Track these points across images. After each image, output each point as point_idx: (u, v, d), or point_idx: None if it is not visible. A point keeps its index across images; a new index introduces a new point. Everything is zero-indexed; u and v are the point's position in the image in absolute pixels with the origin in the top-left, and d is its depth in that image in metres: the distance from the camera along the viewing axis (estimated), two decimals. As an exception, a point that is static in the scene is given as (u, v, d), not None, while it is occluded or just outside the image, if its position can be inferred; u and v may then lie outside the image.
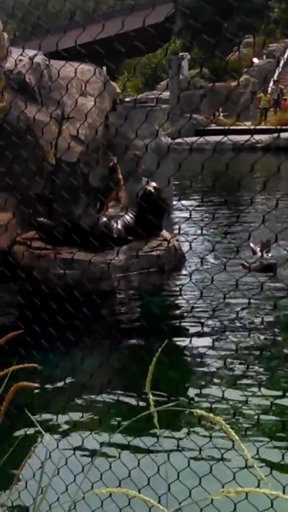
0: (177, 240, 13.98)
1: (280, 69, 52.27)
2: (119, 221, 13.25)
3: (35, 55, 10.24)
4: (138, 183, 14.03)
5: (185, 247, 13.56)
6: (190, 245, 3.59)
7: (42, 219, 12.22)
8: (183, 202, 19.21)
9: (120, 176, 14.40)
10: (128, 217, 13.50)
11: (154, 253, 12.93)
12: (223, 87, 42.99)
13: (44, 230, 12.16)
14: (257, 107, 44.01)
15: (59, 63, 7.75)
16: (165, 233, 13.77)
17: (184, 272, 13.28)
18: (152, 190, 13.17)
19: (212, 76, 45.64)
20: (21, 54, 11.34)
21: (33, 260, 11.65)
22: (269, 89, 47.81)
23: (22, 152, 7.13)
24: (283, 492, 2.36)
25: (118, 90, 18.05)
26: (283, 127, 35.65)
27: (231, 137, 4.30)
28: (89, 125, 13.65)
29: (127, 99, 22.55)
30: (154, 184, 13.25)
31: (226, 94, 40.37)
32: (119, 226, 13.20)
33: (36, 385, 3.22)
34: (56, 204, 11.78)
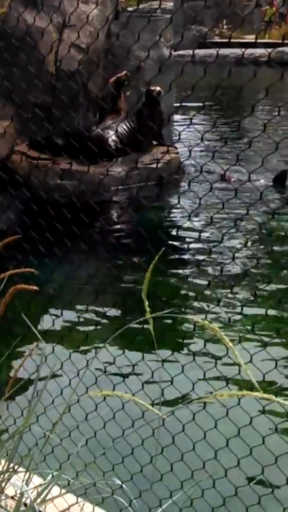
0: (177, 153, 13.89)
1: (287, -19, 51.09)
2: (114, 132, 13.15)
3: None
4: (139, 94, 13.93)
5: (185, 157, 13.47)
6: (190, 152, 3.52)
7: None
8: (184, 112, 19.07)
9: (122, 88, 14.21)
10: (126, 127, 13.40)
11: (153, 165, 12.87)
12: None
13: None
14: (262, 20, 43.23)
15: None
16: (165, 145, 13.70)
17: (183, 184, 13.24)
18: (158, 90, 13.16)
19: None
20: None
21: (32, 170, 11.59)
22: (275, 1, 46.84)
23: (22, 56, 7.00)
24: (276, 397, 2.38)
25: (122, -1, 17.67)
26: (288, 41, 35.02)
27: (234, 50, 4.23)
28: (91, 33, 13.41)
29: (129, 9, 22.08)
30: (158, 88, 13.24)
31: (230, 5, 39.52)
32: (114, 137, 13.09)
33: (35, 287, 3.23)
34: (55, 110, 11.65)
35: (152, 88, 13.30)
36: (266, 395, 2.35)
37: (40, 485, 3.24)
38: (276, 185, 12.74)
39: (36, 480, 3.33)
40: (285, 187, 12.82)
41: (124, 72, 13.98)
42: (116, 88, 14.09)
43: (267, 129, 3.65)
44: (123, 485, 3.23)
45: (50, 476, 3.25)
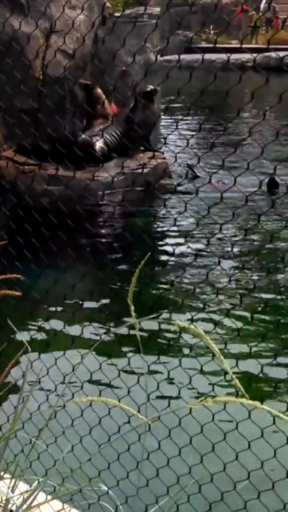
0: (164, 159, 13.90)
1: (273, -14, 51.15)
2: (101, 138, 13.16)
3: None
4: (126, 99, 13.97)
5: (172, 162, 13.49)
6: (176, 157, 3.54)
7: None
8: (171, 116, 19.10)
9: (100, 91, 14.13)
10: (113, 133, 13.43)
11: (140, 170, 12.87)
12: (214, 4, 42.19)
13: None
14: (249, 26, 43.32)
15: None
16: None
17: (170, 189, 13.25)
18: (154, 88, 13.20)
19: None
20: None
21: (18, 176, 11.57)
22: (261, 7, 46.95)
23: (8, 61, 7.02)
24: (261, 403, 2.38)
25: (108, 4, 17.68)
26: (274, 46, 35.10)
27: (221, 55, 4.22)
28: (78, 39, 13.41)
29: (116, 14, 22.11)
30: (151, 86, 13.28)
31: (217, 10, 39.64)
32: (100, 144, 13.11)
33: (17, 293, 3.23)
34: (42, 115, 11.64)
35: (148, 88, 13.37)
36: (251, 401, 2.35)
37: (26, 491, 3.23)
38: (271, 192, 12.82)
39: (22, 486, 3.33)
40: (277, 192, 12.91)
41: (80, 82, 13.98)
42: (96, 94, 14.04)
43: (254, 133, 3.66)
44: (109, 491, 3.23)
45: (36, 482, 3.25)
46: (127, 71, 13.95)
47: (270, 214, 10.86)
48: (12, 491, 3.18)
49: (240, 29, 42.82)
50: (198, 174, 13.79)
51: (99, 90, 14.08)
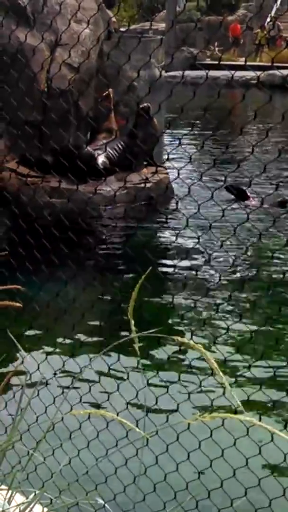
0: (167, 174, 13.91)
1: (278, 5, 51.27)
2: (104, 152, 13.19)
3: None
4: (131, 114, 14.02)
5: (173, 176, 13.49)
6: (178, 173, 3.56)
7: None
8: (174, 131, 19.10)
9: (111, 106, 14.21)
10: (116, 148, 13.45)
11: (143, 185, 12.87)
12: (219, 21, 42.38)
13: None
14: (253, 43, 43.44)
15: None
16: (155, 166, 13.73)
17: (173, 204, 13.26)
18: (147, 105, 13.28)
19: (209, 11, 44.98)
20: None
21: (21, 187, 11.58)
22: (266, 25, 47.08)
23: (13, 73, 7.04)
24: (259, 420, 2.38)
25: (114, 19, 17.72)
26: (279, 64, 35.12)
27: (225, 72, 4.23)
28: (83, 53, 13.44)
29: (122, 29, 22.16)
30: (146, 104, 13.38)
31: (222, 27, 39.82)
32: (103, 158, 13.13)
33: (18, 304, 3.23)
34: (46, 128, 11.65)
35: (142, 106, 13.43)
36: (248, 418, 2.35)
37: (22, 503, 3.22)
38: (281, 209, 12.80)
39: (19, 498, 3.31)
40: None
41: (108, 90, 14.05)
42: (105, 107, 14.10)
43: (258, 150, 3.67)
44: (106, 505, 3.22)
45: (33, 494, 3.23)
46: (132, 86, 13.99)
47: (272, 232, 10.86)
48: (9, 503, 3.17)
49: (245, 46, 43.01)
50: (250, 195, 13.39)
51: (111, 105, 14.17)
